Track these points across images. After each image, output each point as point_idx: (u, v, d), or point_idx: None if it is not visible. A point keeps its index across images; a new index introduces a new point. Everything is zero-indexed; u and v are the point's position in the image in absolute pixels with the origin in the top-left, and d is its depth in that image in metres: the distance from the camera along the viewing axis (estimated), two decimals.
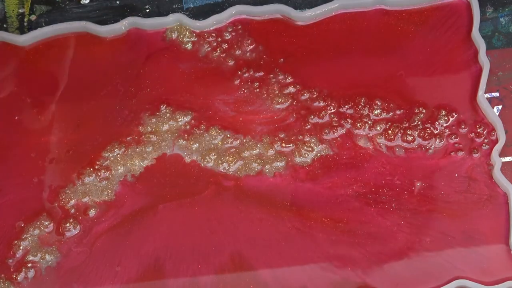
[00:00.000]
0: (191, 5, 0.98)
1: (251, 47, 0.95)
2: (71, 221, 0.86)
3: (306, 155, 0.89)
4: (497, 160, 0.86)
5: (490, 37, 0.94)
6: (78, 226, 0.86)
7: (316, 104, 0.91)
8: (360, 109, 0.90)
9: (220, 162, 0.88)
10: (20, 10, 0.99)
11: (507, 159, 0.87)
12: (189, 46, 0.95)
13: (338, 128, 0.90)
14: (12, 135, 0.92)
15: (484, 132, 0.88)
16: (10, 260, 0.85)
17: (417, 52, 0.93)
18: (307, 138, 0.89)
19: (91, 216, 0.87)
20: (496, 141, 0.87)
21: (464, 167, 0.87)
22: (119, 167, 0.89)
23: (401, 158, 0.88)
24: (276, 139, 0.89)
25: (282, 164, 0.88)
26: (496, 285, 0.81)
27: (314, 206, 0.86)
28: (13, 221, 0.86)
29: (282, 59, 0.94)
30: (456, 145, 0.88)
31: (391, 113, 0.90)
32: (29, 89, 0.94)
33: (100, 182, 0.88)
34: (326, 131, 0.89)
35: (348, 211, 0.85)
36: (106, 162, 0.89)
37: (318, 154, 0.89)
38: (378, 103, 0.90)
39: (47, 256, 0.85)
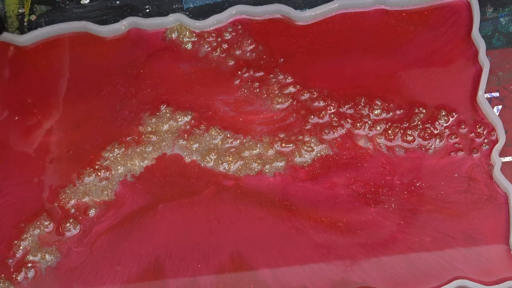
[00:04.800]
0: (191, 5, 0.98)
1: (251, 47, 0.95)
2: (71, 221, 0.86)
3: (306, 155, 0.89)
4: (497, 160, 0.86)
5: (490, 37, 0.94)
6: (78, 226, 0.86)
7: (316, 104, 0.91)
8: (360, 109, 0.90)
9: (220, 162, 0.89)
10: (20, 10, 0.99)
11: (507, 159, 0.87)
12: (189, 46, 0.95)
13: (338, 128, 0.90)
14: (12, 135, 0.92)
15: (484, 132, 0.88)
16: (10, 260, 0.85)
17: (417, 52, 0.93)
18: (307, 138, 0.89)
19: (91, 216, 0.87)
20: (496, 141, 0.87)
21: (464, 167, 0.87)
22: (119, 167, 0.89)
23: (401, 158, 0.88)
24: (276, 139, 0.89)
25: (282, 164, 0.88)
26: (496, 285, 0.81)
27: (314, 206, 0.86)
28: (13, 221, 0.86)
29: (282, 59, 0.94)
30: (456, 145, 0.88)
31: (391, 113, 0.90)
32: (29, 89, 0.94)
33: (100, 182, 0.88)
34: (326, 131, 0.89)
35: (348, 211, 0.85)
36: (106, 162, 0.89)
37: (318, 154, 0.89)
38: (378, 103, 0.90)
39: (47, 256, 0.85)
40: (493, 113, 0.89)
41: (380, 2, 0.96)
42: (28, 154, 0.90)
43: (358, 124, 0.89)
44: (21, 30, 0.97)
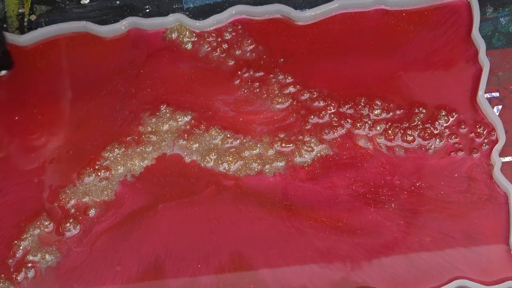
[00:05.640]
0: (191, 5, 0.98)
1: (251, 47, 0.95)
2: (71, 221, 0.86)
3: (306, 155, 0.89)
4: (497, 160, 0.86)
5: (490, 37, 0.94)
6: (78, 226, 0.86)
7: (316, 104, 0.91)
8: (360, 109, 0.90)
9: (220, 162, 0.88)
10: (20, 10, 0.99)
11: (507, 159, 0.87)
12: (189, 46, 0.95)
13: (338, 128, 0.90)
14: (12, 135, 0.92)
15: (484, 132, 0.88)
16: (10, 260, 0.85)
17: (417, 52, 0.93)
18: (307, 138, 0.89)
19: (91, 216, 0.87)
20: (496, 141, 0.87)
21: (464, 167, 0.87)
22: (119, 167, 0.89)
23: (401, 158, 0.88)
24: (276, 139, 0.89)
25: (282, 164, 0.88)
26: (496, 285, 0.81)
27: (314, 206, 0.86)
28: (13, 221, 0.86)
29: (282, 59, 0.94)
30: (456, 145, 0.88)
31: (391, 113, 0.90)
32: (29, 89, 0.94)
33: (100, 182, 0.88)
34: (326, 131, 0.89)
35: (348, 211, 0.85)
36: (106, 162, 0.89)
37: (318, 154, 0.89)
38: (378, 103, 0.90)
39: (47, 256, 0.85)
40: (493, 113, 0.89)
41: (380, 2, 0.96)
42: (28, 154, 0.90)
43: (358, 124, 0.89)
44: (21, 30, 0.97)
